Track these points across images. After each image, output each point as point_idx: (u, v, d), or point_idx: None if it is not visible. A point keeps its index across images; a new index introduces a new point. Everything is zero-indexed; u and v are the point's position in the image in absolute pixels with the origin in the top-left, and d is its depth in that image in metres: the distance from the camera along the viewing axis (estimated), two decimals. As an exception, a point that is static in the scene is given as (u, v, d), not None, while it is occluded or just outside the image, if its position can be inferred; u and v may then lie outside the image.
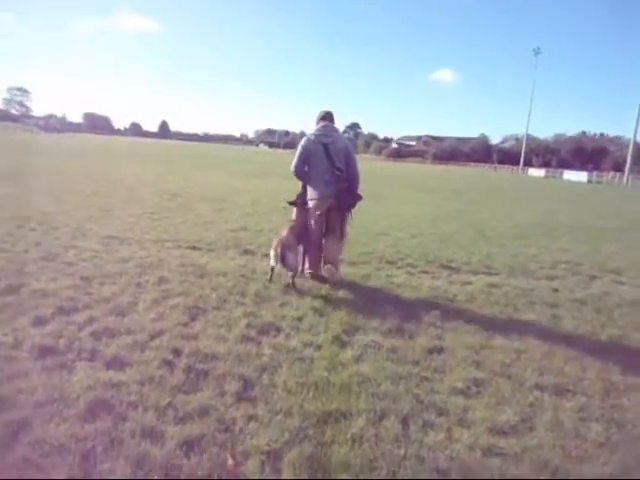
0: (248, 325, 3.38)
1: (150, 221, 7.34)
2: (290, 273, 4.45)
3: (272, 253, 4.44)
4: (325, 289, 4.42)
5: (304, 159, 4.71)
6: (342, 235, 4.83)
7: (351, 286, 4.58)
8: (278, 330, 3.37)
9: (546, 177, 58.86)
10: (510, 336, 3.57)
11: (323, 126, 4.75)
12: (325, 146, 4.59)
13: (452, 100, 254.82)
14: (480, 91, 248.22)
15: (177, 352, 2.88)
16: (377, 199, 13.01)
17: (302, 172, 4.81)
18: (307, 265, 4.86)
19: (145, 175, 15.77)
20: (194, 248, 5.72)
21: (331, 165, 4.59)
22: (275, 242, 4.48)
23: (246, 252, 5.73)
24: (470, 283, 5.04)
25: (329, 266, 4.65)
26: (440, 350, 3.23)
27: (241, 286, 4.30)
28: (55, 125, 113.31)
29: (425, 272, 5.41)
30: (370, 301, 4.17)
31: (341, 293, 4.35)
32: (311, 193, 4.75)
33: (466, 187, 23.74)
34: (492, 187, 26.39)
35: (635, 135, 50.36)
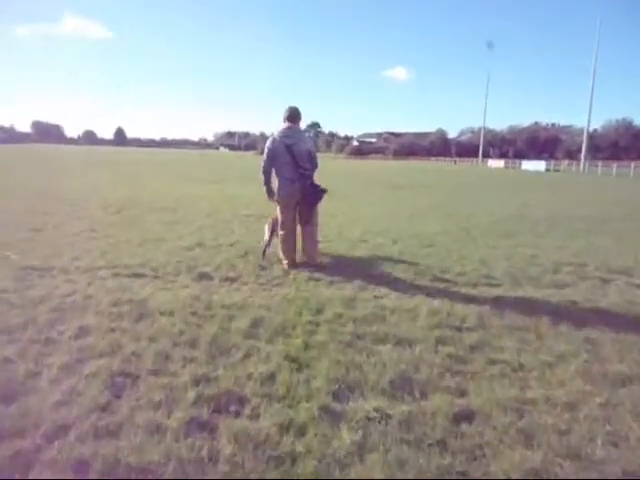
0: (197, 399, 2.37)
1: (87, 242, 6.18)
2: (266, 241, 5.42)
3: (266, 228, 5.53)
4: (300, 326, 3.45)
5: (271, 159, 5.07)
6: (314, 223, 5.30)
7: (334, 316, 3.64)
8: (241, 402, 2.39)
9: (505, 167, 59.88)
10: (549, 380, 2.72)
11: (287, 127, 5.06)
12: (288, 147, 4.96)
13: (408, 96, 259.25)
14: (434, 86, 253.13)
15: (81, 468, 1.86)
16: (346, 200, 12.16)
17: (270, 172, 5.20)
18: (281, 255, 5.23)
19: (92, 186, 14.36)
20: (136, 275, 4.64)
21: (295, 164, 4.99)
22: (268, 223, 5.52)
23: (201, 277, 4.69)
24: (474, 300, 4.19)
25: (309, 257, 5.28)
26: (469, 416, 2.33)
27: (192, 331, 3.27)
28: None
29: (418, 288, 4.53)
30: (360, 338, 3.24)
31: (323, 328, 3.40)
32: (280, 191, 5.13)
33: (433, 181, 23.25)
34: (458, 180, 26.03)
35: (589, 124, 51.67)
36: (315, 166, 5.25)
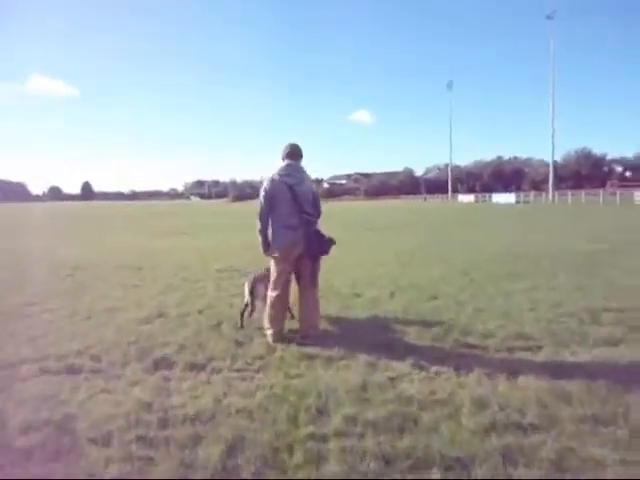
0: None
1: (17, 321, 4.96)
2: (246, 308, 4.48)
3: (246, 289, 4.49)
4: (299, 448, 2.37)
5: (269, 202, 4.15)
6: (317, 283, 4.34)
7: (344, 423, 2.56)
8: None
9: (476, 201, 60.65)
10: None
11: (287, 165, 4.24)
12: (291, 188, 4.10)
13: (373, 138, 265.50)
14: (397, 127, 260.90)
15: None
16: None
17: (267, 219, 4.23)
18: (266, 324, 4.20)
19: (46, 245, 13.05)
20: (69, 371, 3.46)
21: (298, 208, 4.10)
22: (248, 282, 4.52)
23: (158, 365, 3.56)
24: (519, 373, 3.19)
25: (308, 326, 4.24)
26: None
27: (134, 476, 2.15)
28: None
29: (441, 361, 3.51)
30: (390, 463, 2.19)
31: (332, 449, 2.32)
32: (276, 241, 4.18)
33: (410, 221, 22.66)
34: (435, 217, 25.60)
35: (553, 155, 53.10)
36: (319, 212, 4.35)
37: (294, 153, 4.26)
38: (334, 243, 4.27)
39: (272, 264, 4.25)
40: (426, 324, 4.47)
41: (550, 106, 50.24)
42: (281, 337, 4.09)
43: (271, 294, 4.19)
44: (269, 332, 4.11)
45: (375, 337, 4.14)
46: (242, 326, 4.42)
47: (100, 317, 5.02)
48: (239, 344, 4.01)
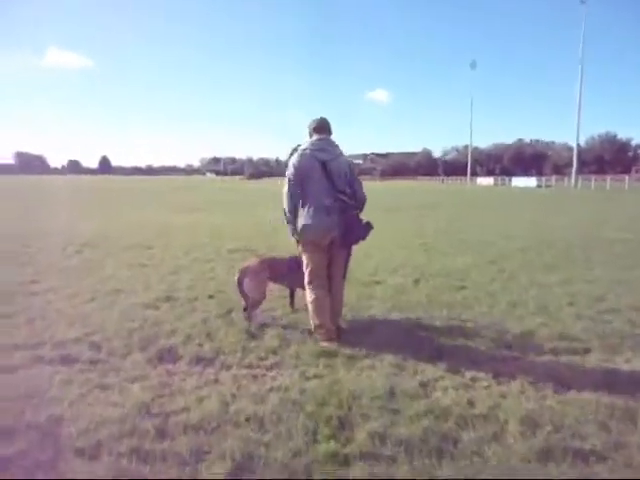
0: None
1: (16, 301, 4.68)
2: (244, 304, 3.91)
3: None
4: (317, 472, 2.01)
5: (299, 181, 3.59)
6: (345, 274, 3.91)
7: (370, 441, 2.19)
8: None
9: (495, 185, 59.34)
10: None
11: (319, 139, 3.67)
12: (323, 164, 3.55)
13: (391, 117, 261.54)
14: (416, 107, 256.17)
15: None
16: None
17: (297, 197, 3.64)
18: (313, 323, 3.61)
19: (59, 220, 12.85)
20: (65, 360, 3.15)
21: (333, 188, 3.57)
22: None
23: (162, 356, 3.24)
24: (569, 383, 2.78)
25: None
26: None
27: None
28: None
29: (476, 364, 3.10)
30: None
31: (357, 474, 1.96)
32: (307, 225, 3.59)
33: (430, 202, 22.03)
34: (455, 199, 24.92)
35: (578, 139, 51.38)
36: (362, 197, 3.80)
37: (324, 127, 3.72)
38: (372, 228, 3.76)
39: (303, 254, 3.71)
40: (456, 318, 4.07)
41: (578, 89, 48.34)
42: (334, 334, 3.55)
43: (311, 288, 3.63)
44: (320, 332, 3.55)
45: (400, 332, 3.75)
46: (251, 322, 3.90)
47: (104, 299, 4.71)
48: (251, 335, 3.65)
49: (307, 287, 3.68)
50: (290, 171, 3.61)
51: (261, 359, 3.22)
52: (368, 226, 3.73)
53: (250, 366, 3.10)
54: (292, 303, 4.29)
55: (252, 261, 4.06)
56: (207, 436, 2.21)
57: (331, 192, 3.57)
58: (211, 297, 4.80)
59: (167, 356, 3.25)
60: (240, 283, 3.89)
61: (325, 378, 2.89)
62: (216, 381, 2.87)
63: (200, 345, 3.43)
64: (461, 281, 5.49)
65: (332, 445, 2.14)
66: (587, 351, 3.35)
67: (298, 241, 3.77)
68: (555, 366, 3.10)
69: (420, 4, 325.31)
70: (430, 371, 3.00)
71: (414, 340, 3.58)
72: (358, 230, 3.67)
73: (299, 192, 3.61)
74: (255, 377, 2.93)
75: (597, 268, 6.22)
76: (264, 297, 3.99)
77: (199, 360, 3.19)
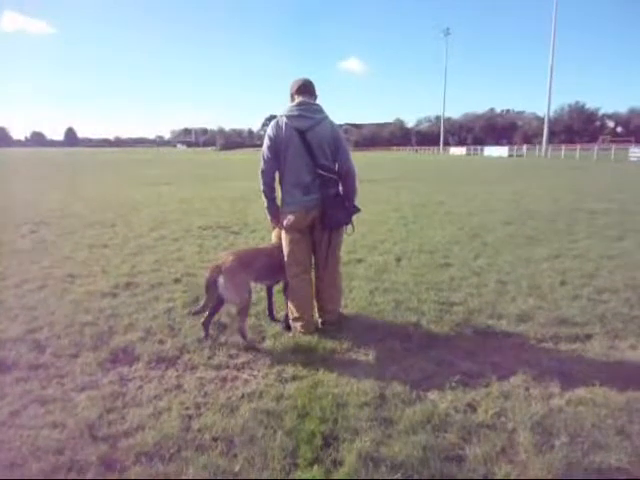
0: None
1: (-44, 289, 4.15)
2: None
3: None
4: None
5: (275, 154, 3.11)
6: (338, 260, 3.39)
7: (360, 465, 1.85)
8: None
9: (468, 154, 59.40)
10: None
11: (298, 104, 3.11)
12: (302, 134, 3.03)
13: (364, 87, 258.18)
14: (389, 77, 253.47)
15: None
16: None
17: (273, 175, 3.19)
18: (291, 315, 3.22)
19: (14, 196, 11.99)
20: (0, 365, 2.71)
21: (312, 162, 3.06)
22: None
23: (116, 357, 2.82)
24: (575, 379, 2.50)
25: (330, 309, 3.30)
26: None
27: None
28: None
29: (472, 356, 2.80)
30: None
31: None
32: (285, 205, 3.19)
33: (405, 173, 21.69)
34: (430, 170, 24.64)
35: (549, 109, 51.57)
36: (348, 171, 3.19)
37: (306, 89, 3.15)
38: (358, 211, 3.26)
39: (283, 237, 3.24)
40: (444, 301, 3.75)
41: (549, 59, 48.10)
42: (313, 326, 3.21)
43: (292, 274, 3.19)
44: (297, 324, 3.18)
45: (385, 319, 3.41)
46: (206, 337, 3.08)
47: (56, 287, 4.22)
48: (219, 328, 3.25)
49: (288, 275, 3.24)
50: (265, 143, 3.12)
51: (231, 357, 2.85)
52: (351, 209, 3.21)
53: (219, 366, 2.72)
54: (272, 311, 3.46)
55: (229, 258, 3.05)
56: (163, 465, 1.83)
57: (310, 167, 3.07)
58: (177, 281, 4.37)
59: (123, 357, 2.84)
60: (209, 283, 3.02)
61: (304, 380, 2.53)
62: (178, 387, 2.48)
63: (161, 342, 3.02)
64: (445, 258, 5.19)
65: (315, 471, 1.79)
66: (589, 337, 3.08)
67: (275, 224, 3.33)
68: (556, 355, 2.82)
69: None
70: (421, 366, 2.68)
71: (399, 328, 3.26)
72: (339, 212, 3.13)
73: (275, 168, 3.14)
74: (224, 380, 2.56)
75: (582, 241, 6.01)
76: (249, 301, 3.12)
77: (159, 361, 2.78)
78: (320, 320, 3.32)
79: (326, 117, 3.15)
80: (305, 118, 3.05)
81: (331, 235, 3.19)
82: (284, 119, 3.07)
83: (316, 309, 3.32)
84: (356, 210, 3.24)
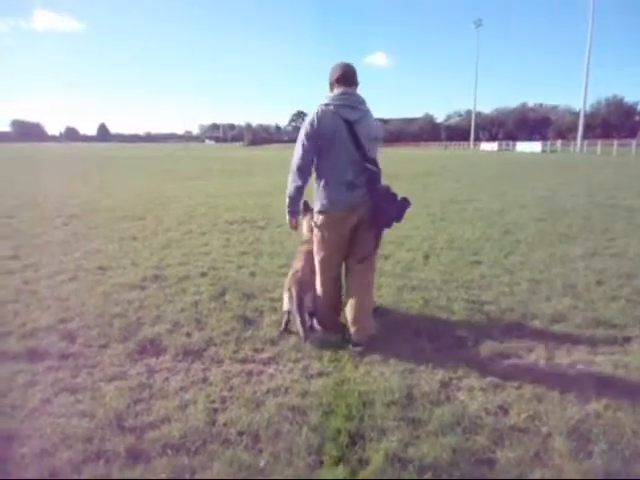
0: None
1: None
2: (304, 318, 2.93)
3: (286, 295, 3.06)
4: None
5: (315, 146, 2.78)
6: (374, 265, 3.05)
7: (386, 464, 1.81)
8: None
9: (499, 150, 58.19)
10: None
11: (344, 92, 2.81)
12: (351, 125, 2.72)
13: (391, 82, 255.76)
14: (416, 71, 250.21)
15: None
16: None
17: (310, 170, 2.88)
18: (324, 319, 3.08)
19: (49, 189, 12.33)
20: (32, 354, 2.75)
21: (360, 155, 2.76)
22: (289, 279, 3.09)
23: (144, 349, 2.84)
24: (613, 384, 2.39)
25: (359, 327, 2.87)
26: None
27: None
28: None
29: (504, 358, 2.71)
30: None
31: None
32: (324, 201, 2.84)
33: (433, 169, 21.34)
34: (459, 166, 24.18)
35: (585, 103, 49.97)
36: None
37: (349, 77, 2.83)
38: (409, 205, 2.93)
39: (317, 238, 2.94)
40: (474, 300, 3.66)
41: (586, 51, 46.58)
42: (338, 331, 3.03)
43: (321, 280, 2.99)
44: (325, 325, 3.08)
45: (412, 317, 3.35)
46: (286, 328, 3.08)
47: (86, 278, 4.30)
48: (246, 322, 3.25)
49: (318, 279, 3.04)
50: (303, 132, 2.79)
51: (257, 351, 2.83)
52: (404, 203, 2.90)
53: (244, 360, 2.71)
54: (311, 325, 3.12)
55: (296, 269, 3.12)
56: (188, 458, 1.82)
57: (358, 162, 2.78)
58: (204, 275, 4.39)
59: (150, 348, 2.86)
60: (298, 282, 3.00)
61: (330, 376, 2.50)
62: (204, 380, 2.48)
63: (188, 335, 3.03)
64: (475, 255, 5.07)
65: (341, 470, 1.76)
66: (627, 340, 2.95)
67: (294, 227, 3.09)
68: (594, 359, 2.71)
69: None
70: (451, 366, 2.60)
71: (428, 325, 3.18)
72: (391, 208, 2.85)
73: (312, 160, 2.86)
74: (250, 374, 2.54)
75: (620, 239, 5.78)
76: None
77: (186, 353, 2.79)
78: (351, 336, 2.90)
79: (369, 111, 2.91)
80: (353, 109, 2.78)
81: (377, 236, 2.93)
82: (331, 107, 2.76)
83: (350, 322, 2.93)
84: (407, 204, 2.93)
